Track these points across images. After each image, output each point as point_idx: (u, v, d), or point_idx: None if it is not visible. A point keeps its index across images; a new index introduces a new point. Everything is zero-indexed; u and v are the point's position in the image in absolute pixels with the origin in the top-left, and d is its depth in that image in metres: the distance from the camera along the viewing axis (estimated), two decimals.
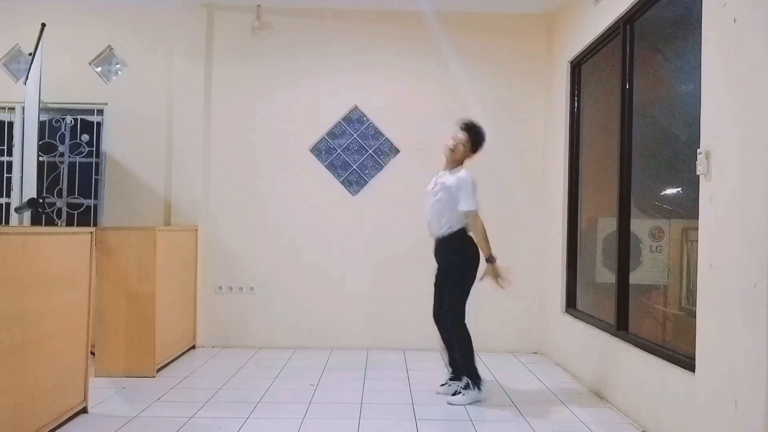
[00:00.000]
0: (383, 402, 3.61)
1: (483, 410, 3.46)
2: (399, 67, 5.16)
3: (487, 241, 3.54)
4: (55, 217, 5.09)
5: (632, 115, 3.60)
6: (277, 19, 5.16)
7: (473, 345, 3.60)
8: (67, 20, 5.13)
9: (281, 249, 5.11)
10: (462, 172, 3.61)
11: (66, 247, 3.09)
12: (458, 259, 3.59)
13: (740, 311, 2.28)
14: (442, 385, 3.76)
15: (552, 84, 5.03)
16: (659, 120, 3.58)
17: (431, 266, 5.09)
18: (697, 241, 2.64)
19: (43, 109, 4.64)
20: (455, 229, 3.58)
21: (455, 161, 3.68)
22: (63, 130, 5.15)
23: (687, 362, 2.75)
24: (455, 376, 3.73)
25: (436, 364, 4.59)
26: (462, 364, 3.61)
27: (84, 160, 5.18)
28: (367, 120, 5.19)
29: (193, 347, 5.01)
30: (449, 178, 3.62)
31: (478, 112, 5.13)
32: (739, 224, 2.31)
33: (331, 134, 5.17)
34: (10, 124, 5.15)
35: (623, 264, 3.62)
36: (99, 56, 5.22)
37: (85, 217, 5.14)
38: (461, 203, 3.53)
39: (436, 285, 3.79)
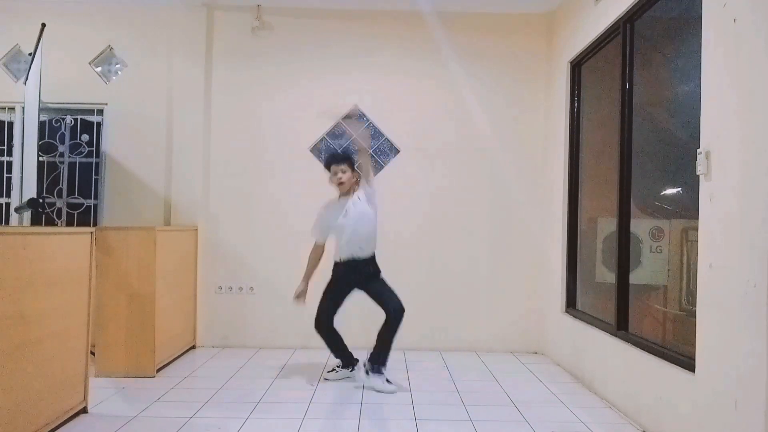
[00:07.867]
0: (383, 402, 3.61)
1: (483, 410, 3.46)
2: (399, 67, 5.16)
3: None
4: (55, 217, 5.09)
5: (632, 115, 3.60)
6: (277, 19, 5.16)
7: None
8: (67, 20, 5.14)
9: (281, 249, 5.11)
10: (373, 199, 4.03)
11: (66, 247, 3.09)
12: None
13: (740, 311, 2.28)
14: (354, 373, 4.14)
15: (552, 84, 5.02)
16: (659, 120, 3.58)
17: (430, 266, 5.17)
18: (697, 241, 2.64)
19: (43, 109, 4.64)
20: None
21: (349, 189, 4.05)
22: (63, 130, 5.15)
23: (687, 362, 2.75)
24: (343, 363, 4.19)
25: (436, 364, 4.60)
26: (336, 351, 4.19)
27: (84, 160, 5.18)
28: (367, 120, 5.19)
29: (193, 347, 5.01)
30: (363, 204, 3.99)
31: (478, 112, 5.17)
32: (739, 224, 2.31)
33: (331, 134, 5.17)
34: (10, 124, 5.14)
35: (623, 264, 3.62)
36: (99, 56, 5.22)
37: (85, 217, 5.14)
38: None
39: (342, 299, 4.13)
